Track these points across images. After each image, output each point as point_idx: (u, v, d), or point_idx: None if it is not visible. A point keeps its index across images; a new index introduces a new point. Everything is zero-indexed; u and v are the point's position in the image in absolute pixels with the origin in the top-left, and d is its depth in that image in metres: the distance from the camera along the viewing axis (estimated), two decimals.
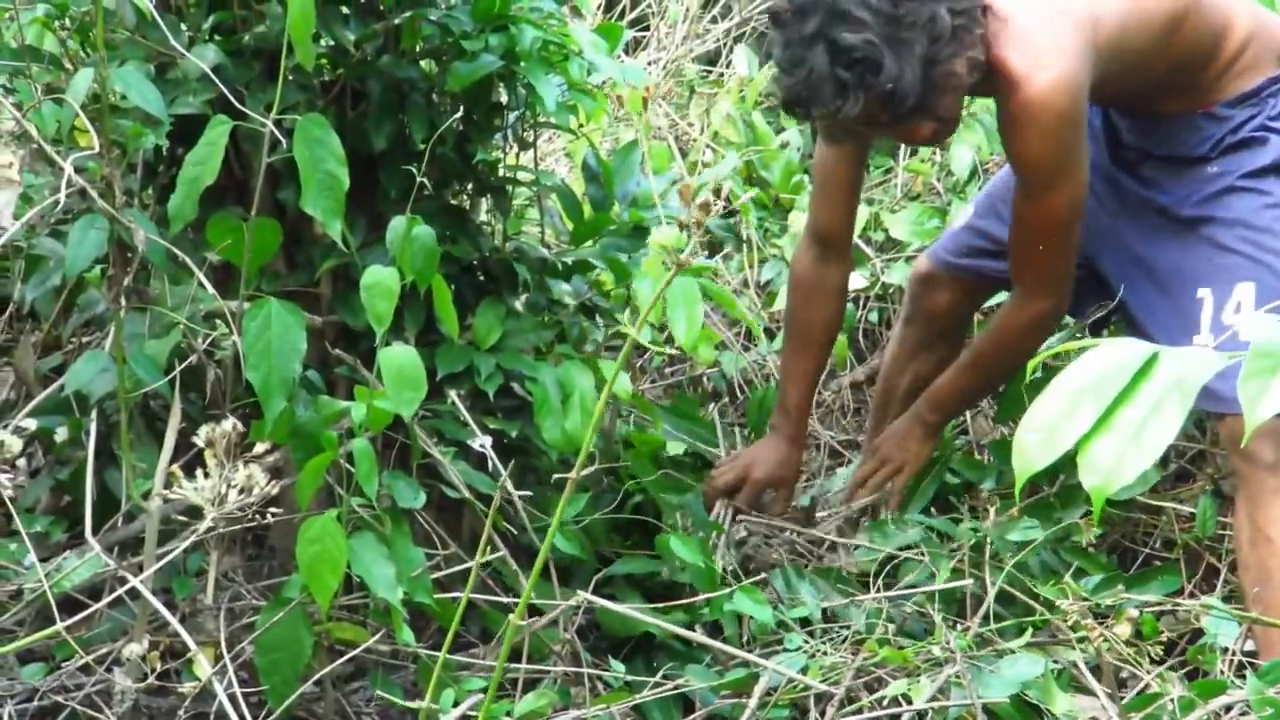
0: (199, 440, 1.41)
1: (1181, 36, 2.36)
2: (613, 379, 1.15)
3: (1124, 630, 2.34)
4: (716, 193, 1.10)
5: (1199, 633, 2.26)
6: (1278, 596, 2.21)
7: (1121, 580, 2.47)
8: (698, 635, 2.20)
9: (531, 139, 2.50)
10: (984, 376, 2.64)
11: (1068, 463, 1.21)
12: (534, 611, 2.25)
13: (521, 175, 2.51)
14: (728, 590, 2.30)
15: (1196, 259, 2.38)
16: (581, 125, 2.91)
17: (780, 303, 3.28)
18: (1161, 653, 2.26)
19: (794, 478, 2.73)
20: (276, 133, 1.91)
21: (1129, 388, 1.21)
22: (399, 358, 1.91)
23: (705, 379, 3.28)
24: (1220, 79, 2.42)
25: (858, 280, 3.34)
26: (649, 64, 3.82)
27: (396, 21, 2.22)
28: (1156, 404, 1.19)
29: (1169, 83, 2.41)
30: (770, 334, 3.32)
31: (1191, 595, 2.45)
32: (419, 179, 2.07)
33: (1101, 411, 1.21)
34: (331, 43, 2.25)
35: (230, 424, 1.41)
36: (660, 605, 2.35)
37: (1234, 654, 2.20)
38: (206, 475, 1.38)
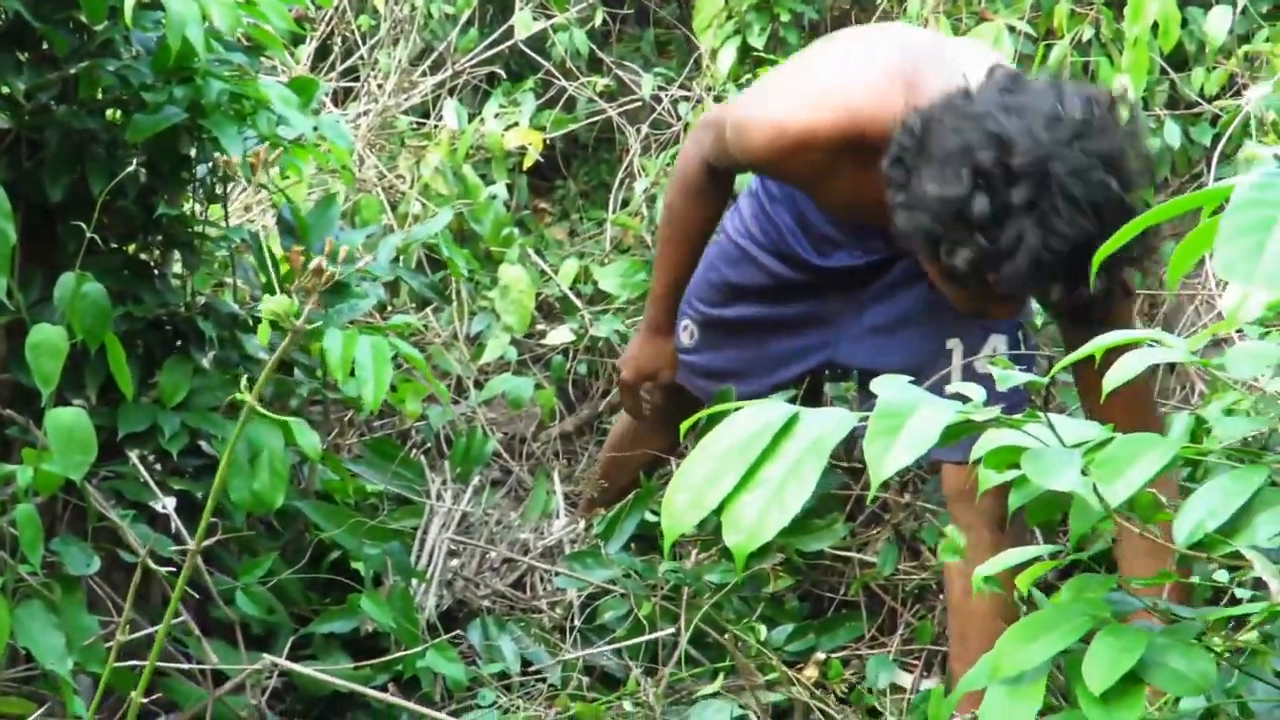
0: None
1: None
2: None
3: (811, 674, 2.43)
4: (333, 256, 1.11)
5: None
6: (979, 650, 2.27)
7: (811, 628, 2.55)
8: (388, 696, 2.17)
9: (222, 192, 2.46)
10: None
11: None
12: (221, 678, 2.20)
13: (215, 230, 2.46)
14: (421, 648, 2.29)
15: (941, 308, 2.25)
16: (285, 178, 2.87)
17: (489, 355, 3.31)
18: (846, 692, 2.35)
19: (669, 366, 2.67)
20: None
21: (770, 447, 1.25)
22: (67, 419, 1.84)
23: (414, 431, 3.26)
24: None
25: (565, 334, 3.38)
26: (359, 115, 3.80)
27: (73, 71, 2.16)
28: (796, 463, 1.24)
29: None
30: (479, 385, 3.32)
31: (874, 639, 2.55)
32: (92, 233, 2.00)
33: (745, 471, 1.25)
34: (6, 91, 2.18)
35: None
36: (357, 665, 2.33)
37: (910, 694, 2.30)
38: None
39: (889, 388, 1.27)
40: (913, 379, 1.31)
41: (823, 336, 2.51)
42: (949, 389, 2.17)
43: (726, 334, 2.60)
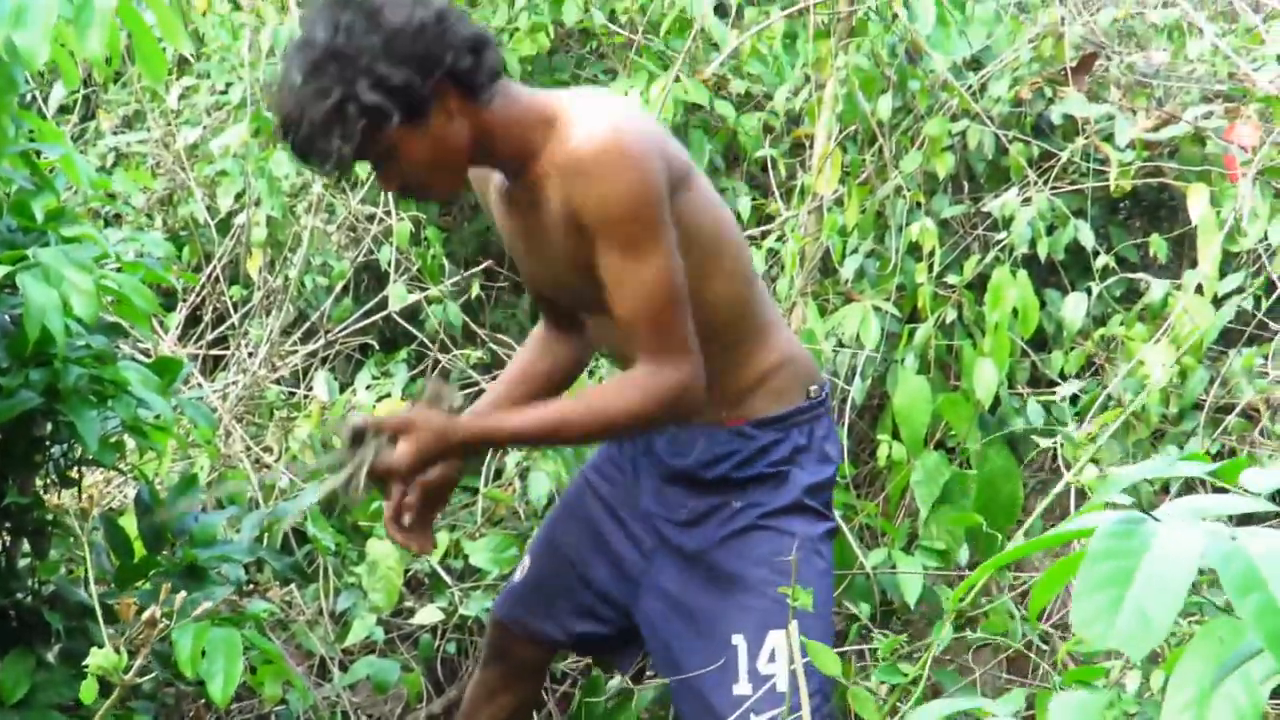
0: None
1: (718, 278, 2.29)
2: None
3: None
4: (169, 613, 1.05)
5: None
6: None
7: None
8: None
9: (77, 476, 2.38)
10: (582, 426, 2.24)
11: None
12: None
13: (67, 516, 2.37)
14: None
15: (728, 603, 2.34)
16: (142, 457, 2.79)
17: (354, 636, 3.20)
18: None
19: (451, 465, 2.26)
20: None
21: None
22: None
23: (274, 716, 3.13)
24: (752, 393, 2.37)
25: (434, 613, 3.29)
26: (228, 384, 3.74)
27: None
28: None
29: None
30: (344, 666, 3.21)
31: None
32: None
33: None
34: None
35: None
36: None
37: None
38: None
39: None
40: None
41: (629, 586, 2.51)
42: (735, 689, 2.25)
43: (550, 556, 2.64)
